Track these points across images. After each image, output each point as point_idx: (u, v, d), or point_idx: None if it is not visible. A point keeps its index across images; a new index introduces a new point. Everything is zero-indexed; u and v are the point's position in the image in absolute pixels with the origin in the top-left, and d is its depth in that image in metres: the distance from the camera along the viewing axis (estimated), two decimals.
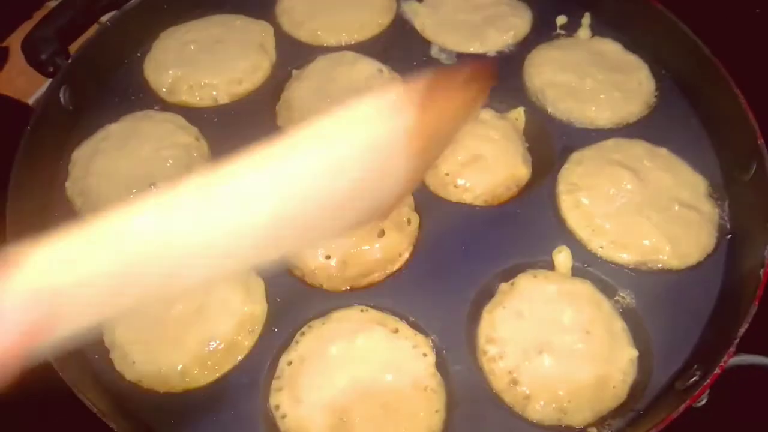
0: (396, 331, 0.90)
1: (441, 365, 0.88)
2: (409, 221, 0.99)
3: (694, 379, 0.84)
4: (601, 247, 0.98)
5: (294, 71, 1.19)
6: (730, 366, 0.84)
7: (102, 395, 0.85)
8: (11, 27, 1.50)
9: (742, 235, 0.99)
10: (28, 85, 1.42)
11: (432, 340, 0.90)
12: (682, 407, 0.79)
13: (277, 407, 0.85)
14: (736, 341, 0.83)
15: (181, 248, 0.50)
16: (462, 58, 1.22)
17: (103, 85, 1.19)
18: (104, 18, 1.22)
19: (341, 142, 0.56)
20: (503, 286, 0.95)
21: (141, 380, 0.88)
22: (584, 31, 1.26)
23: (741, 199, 1.02)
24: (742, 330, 0.83)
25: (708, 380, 0.81)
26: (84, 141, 1.10)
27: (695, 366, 0.87)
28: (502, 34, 1.25)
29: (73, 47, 1.17)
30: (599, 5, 1.27)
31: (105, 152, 1.06)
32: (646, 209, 1.00)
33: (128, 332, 0.89)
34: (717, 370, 0.82)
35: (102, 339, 0.90)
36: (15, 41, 1.47)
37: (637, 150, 1.07)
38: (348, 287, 0.96)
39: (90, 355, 0.90)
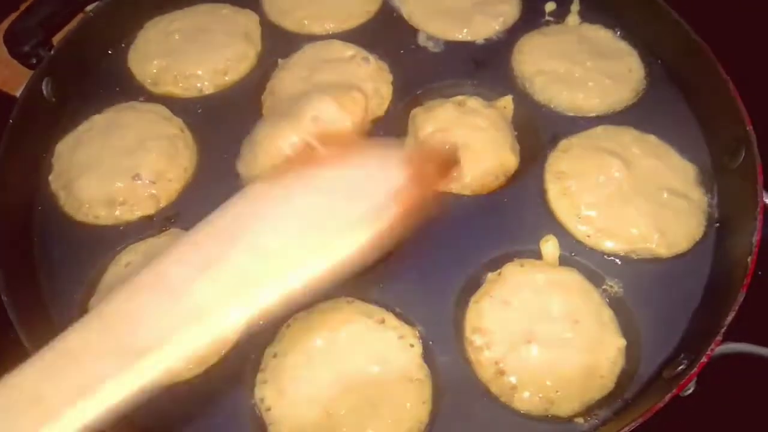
0: (382, 322, 0.89)
1: (428, 356, 0.88)
2: None
3: (681, 367, 0.84)
4: (589, 236, 0.97)
5: (280, 61, 1.18)
6: (717, 354, 0.84)
7: None
8: None
9: (731, 222, 0.98)
10: (14, 78, 1.40)
11: (419, 331, 0.90)
12: (668, 396, 0.78)
13: (262, 400, 0.85)
14: (723, 330, 0.82)
15: None
16: (449, 45, 1.21)
17: (86, 76, 1.18)
18: (88, 8, 1.21)
19: None
20: (490, 276, 0.94)
21: None
22: (573, 18, 1.25)
23: (729, 186, 1.01)
24: (729, 318, 0.83)
25: (695, 369, 0.81)
26: (67, 133, 1.09)
27: (682, 355, 0.87)
28: (491, 20, 1.24)
29: (57, 38, 1.16)
30: None
31: (88, 143, 1.05)
32: (634, 197, 0.99)
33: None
34: (704, 359, 0.81)
35: None
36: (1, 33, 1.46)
37: (626, 137, 1.06)
38: None
39: None
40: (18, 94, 1.38)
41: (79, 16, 1.21)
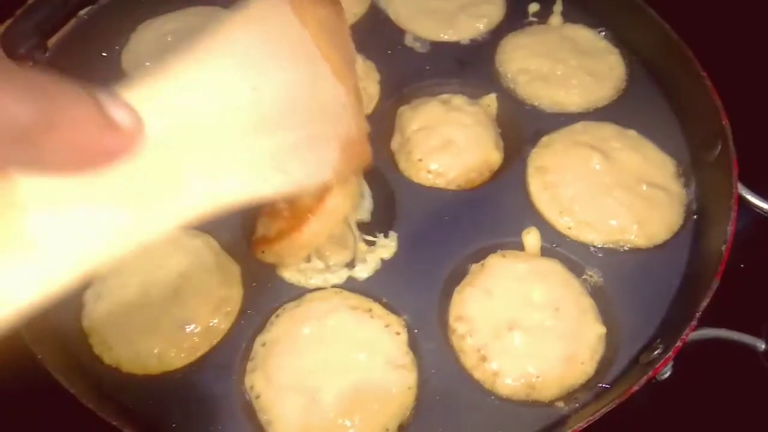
0: (369, 311, 0.92)
1: (413, 344, 0.91)
2: None
3: (657, 352, 0.87)
4: (570, 228, 1.00)
5: None
6: (693, 339, 0.87)
7: (81, 379, 0.87)
8: None
9: (708, 213, 1.01)
10: None
11: (404, 320, 0.92)
12: (644, 379, 0.81)
13: (252, 387, 0.87)
14: (698, 315, 0.85)
15: None
16: (435, 45, 1.24)
17: (81, 78, 1.18)
18: (82, 12, 1.24)
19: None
20: (474, 267, 0.97)
21: (119, 364, 0.89)
22: (556, 18, 1.28)
23: (707, 178, 1.04)
24: (703, 304, 0.86)
25: (670, 353, 0.84)
26: None
27: (659, 340, 0.89)
28: (475, 21, 1.27)
29: (52, 42, 1.19)
30: None
31: None
32: (614, 189, 1.02)
33: (106, 317, 0.91)
34: (679, 344, 0.84)
35: (81, 324, 0.92)
36: None
37: (606, 132, 1.09)
38: None
39: (69, 340, 0.92)
40: None
41: (74, 20, 1.24)
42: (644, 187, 1.03)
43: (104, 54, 1.25)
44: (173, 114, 0.52)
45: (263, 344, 0.90)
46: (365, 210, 1.03)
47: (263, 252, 0.92)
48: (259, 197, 0.62)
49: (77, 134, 0.41)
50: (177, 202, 0.52)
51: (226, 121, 0.57)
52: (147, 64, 1.19)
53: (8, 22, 1.20)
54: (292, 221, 0.89)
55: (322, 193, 0.86)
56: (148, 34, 1.25)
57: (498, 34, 1.26)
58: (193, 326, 0.90)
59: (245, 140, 0.59)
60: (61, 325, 0.92)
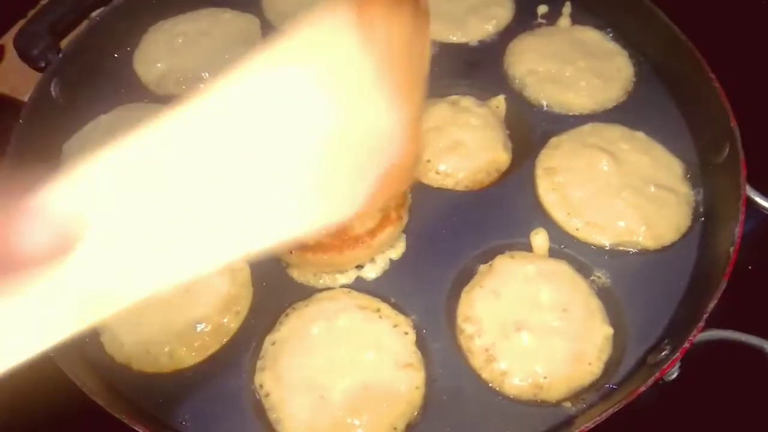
0: (377, 311, 0.92)
1: (421, 344, 0.91)
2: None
3: (664, 353, 0.87)
4: (578, 229, 1.00)
5: None
6: (700, 341, 0.87)
7: (92, 376, 0.88)
8: (6, 26, 1.53)
9: (715, 215, 1.01)
10: (23, 83, 1.44)
11: (412, 320, 0.93)
12: (651, 380, 0.81)
13: (261, 386, 0.88)
14: (705, 316, 0.85)
15: None
16: (444, 47, 1.24)
17: (93, 78, 1.22)
18: (95, 14, 1.25)
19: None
20: (482, 267, 0.97)
21: (130, 362, 0.90)
22: (564, 20, 1.29)
23: (715, 181, 1.04)
24: (711, 305, 0.86)
25: (677, 354, 0.84)
26: (74, 133, 1.13)
27: (666, 341, 0.90)
28: (484, 23, 1.27)
29: (65, 43, 1.20)
30: None
31: (94, 143, 1.08)
32: (622, 191, 1.02)
33: (117, 315, 0.91)
34: (686, 345, 0.84)
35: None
36: (10, 40, 1.49)
37: (614, 133, 1.09)
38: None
39: (81, 338, 0.92)
40: (26, 100, 1.44)
41: (86, 22, 1.25)
42: (652, 189, 1.03)
43: (116, 55, 1.26)
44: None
45: (273, 343, 0.90)
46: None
47: (291, 253, 0.94)
48: (285, 241, 0.57)
49: None
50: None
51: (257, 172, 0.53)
52: (158, 65, 1.20)
53: (22, 22, 1.22)
54: (334, 239, 0.92)
55: (370, 221, 0.90)
56: (159, 35, 1.26)
57: (507, 35, 1.26)
58: (203, 325, 0.91)
59: (278, 186, 0.55)
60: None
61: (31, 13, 1.26)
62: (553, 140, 1.10)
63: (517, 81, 1.19)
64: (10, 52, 1.48)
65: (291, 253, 0.94)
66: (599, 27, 1.26)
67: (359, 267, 0.98)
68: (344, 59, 0.57)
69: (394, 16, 0.59)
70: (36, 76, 1.17)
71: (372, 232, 0.94)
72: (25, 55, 1.16)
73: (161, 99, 1.18)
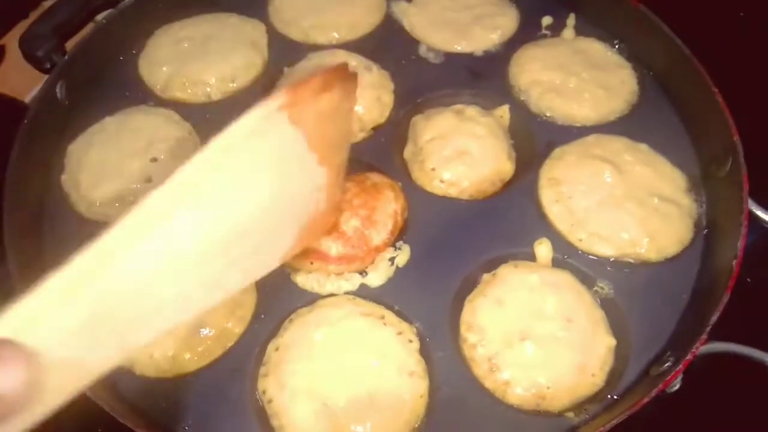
0: (381, 318, 0.92)
1: (425, 352, 0.91)
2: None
3: (667, 365, 0.87)
4: (581, 240, 1.01)
5: (286, 69, 1.22)
6: (703, 353, 0.87)
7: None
8: (8, 26, 1.53)
9: (718, 228, 1.02)
10: (24, 84, 1.44)
11: (416, 328, 0.93)
12: (654, 391, 0.82)
13: (264, 392, 0.88)
14: (708, 329, 0.86)
15: None
16: (449, 56, 1.25)
17: (98, 81, 1.22)
18: (100, 16, 1.25)
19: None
20: (485, 277, 0.98)
21: (133, 366, 0.90)
22: (569, 32, 1.29)
23: (717, 193, 1.05)
24: (714, 318, 0.86)
25: (680, 366, 0.84)
26: (79, 135, 1.13)
27: (669, 353, 0.90)
28: (489, 33, 1.28)
29: (70, 45, 1.20)
30: (583, 7, 1.31)
31: (99, 145, 1.09)
32: (625, 202, 1.03)
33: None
34: (689, 357, 0.84)
35: None
36: (11, 40, 1.49)
37: (618, 145, 1.10)
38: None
39: None
40: (28, 100, 1.44)
41: (92, 24, 1.25)
42: (655, 201, 1.03)
43: (121, 58, 1.26)
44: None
45: (276, 349, 0.90)
46: None
47: (312, 263, 0.97)
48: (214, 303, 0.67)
49: None
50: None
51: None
52: (164, 68, 1.20)
53: (23, 23, 1.22)
54: (357, 251, 0.98)
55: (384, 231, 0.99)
56: (164, 39, 1.26)
57: (511, 46, 1.27)
58: (207, 330, 0.91)
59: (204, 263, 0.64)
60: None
61: (33, 13, 1.27)
62: (557, 151, 1.10)
63: (521, 91, 1.20)
64: (11, 52, 1.48)
65: (312, 263, 0.96)
66: (603, 39, 1.27)
67: (363, 273, 0.98)
68: (274, 146, 0.66)
69: (323, 94, 0.69)
70: (36, 76, 1.17)
71: (386, 242, 0.99)
72: (29, 56, 1.16)
73: (166, 102, 1.18)
